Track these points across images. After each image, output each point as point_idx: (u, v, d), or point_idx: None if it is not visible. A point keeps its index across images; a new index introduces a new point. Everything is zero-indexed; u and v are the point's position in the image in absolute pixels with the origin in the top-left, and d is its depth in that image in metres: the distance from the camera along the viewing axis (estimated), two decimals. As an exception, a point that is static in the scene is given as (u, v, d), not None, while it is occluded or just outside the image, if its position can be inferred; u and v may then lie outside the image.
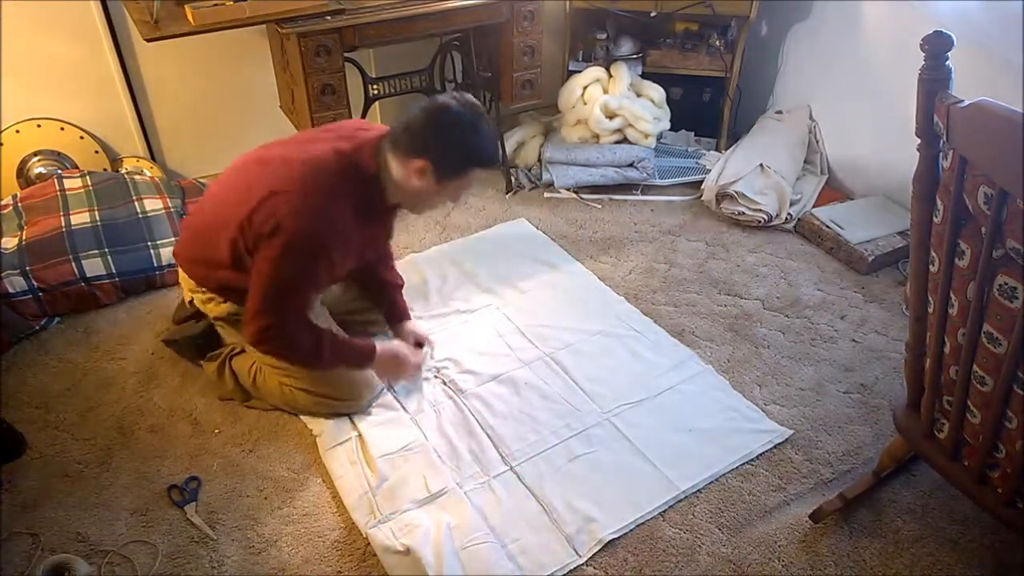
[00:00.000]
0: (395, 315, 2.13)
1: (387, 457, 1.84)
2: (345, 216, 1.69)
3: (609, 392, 2.04)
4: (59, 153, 2.64)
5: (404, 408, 2.00)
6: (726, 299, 2.42)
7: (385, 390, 2.04)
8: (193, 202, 2.53)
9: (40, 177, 2.59)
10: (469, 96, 1.72)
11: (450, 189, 1.73)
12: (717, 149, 3.14)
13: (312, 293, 1.76)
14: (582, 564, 1.63)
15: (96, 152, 2.70)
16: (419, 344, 2.10)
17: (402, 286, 2.16)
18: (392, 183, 1.73)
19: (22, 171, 2.62)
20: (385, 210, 1.84)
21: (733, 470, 1.85)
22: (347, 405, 1.95)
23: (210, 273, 1.86)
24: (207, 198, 1.95)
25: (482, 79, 2.81)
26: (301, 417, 1.96)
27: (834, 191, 2.93)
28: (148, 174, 2.72)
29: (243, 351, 1.98)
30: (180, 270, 1.96)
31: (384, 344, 1.98)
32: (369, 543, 1.65)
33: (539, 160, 3.03)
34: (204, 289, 1.90)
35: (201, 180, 2.76)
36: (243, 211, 1.68)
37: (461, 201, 1.77)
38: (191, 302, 1.98)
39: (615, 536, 1.68)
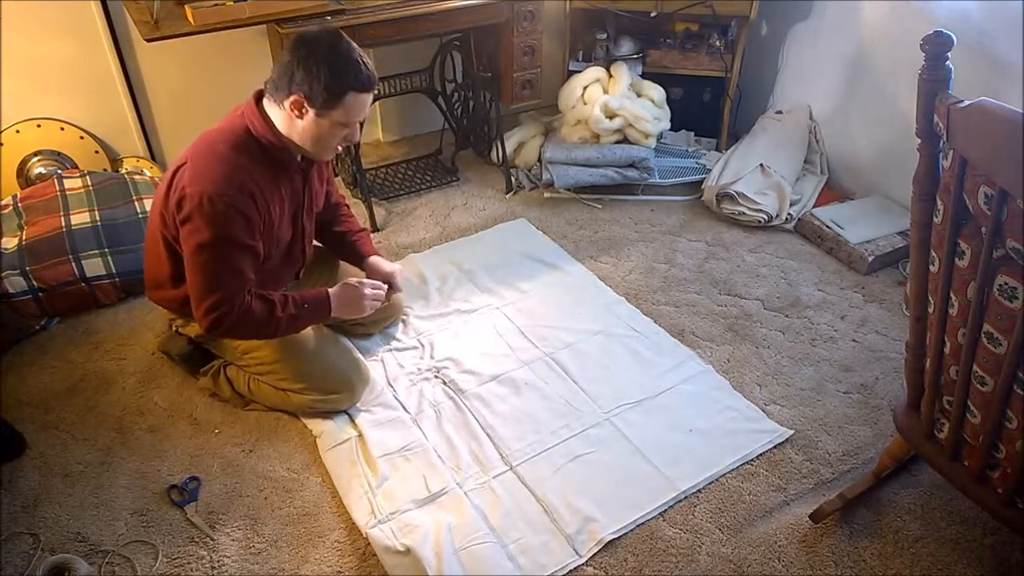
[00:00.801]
0: (359, 256, 2.09)
1: (387, 457, 1.84)
2: (247, 173, 1.66)
3: (609, 392, 2.04)
4: (59, 153, 2.64)
5: (404, 408, 2.00)
6: (726, 299, 2.42)
7: (384, 388, 2.04)
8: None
9: (40, 177, 2.60)
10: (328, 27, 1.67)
11: (335, 120, 1.67)
12: (717, 149, 3.14)
13: (244, 259, 1.69)
14: (582, 564, 1.63)
15: (96, 152, 2.71)
16: (386, 281, 2.01)
17: (363, 230, 2.14)
18: (284, 136, 1.71)
19: (22, 171, 2.62)
20: (297, 164, 1.79)
21: (733, 470, 1.85)
22: (342, 399, 1.94)
23: (167, 295, 1.88)
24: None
25: (482, 79, 2.81)
26: (301, 417, 1.96)
27: (834, 191, 2.93)
28: (148, 174, 2.72)
29: None
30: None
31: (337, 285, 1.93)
32: (369, 543, 1.66)
33: (539, 160, 3.02)
34: (175, 315, 1.95)
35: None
36: (161, 199, 1.74)
37: (356, 134, 1.73)
38: (178, 331, 2.01)
39: (615, 536, 1.68)
